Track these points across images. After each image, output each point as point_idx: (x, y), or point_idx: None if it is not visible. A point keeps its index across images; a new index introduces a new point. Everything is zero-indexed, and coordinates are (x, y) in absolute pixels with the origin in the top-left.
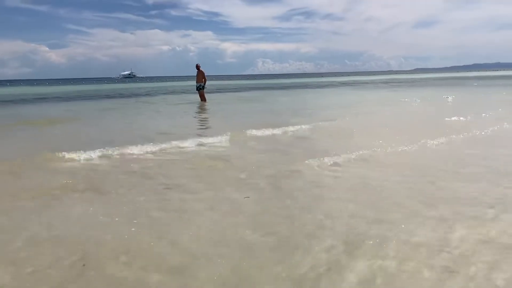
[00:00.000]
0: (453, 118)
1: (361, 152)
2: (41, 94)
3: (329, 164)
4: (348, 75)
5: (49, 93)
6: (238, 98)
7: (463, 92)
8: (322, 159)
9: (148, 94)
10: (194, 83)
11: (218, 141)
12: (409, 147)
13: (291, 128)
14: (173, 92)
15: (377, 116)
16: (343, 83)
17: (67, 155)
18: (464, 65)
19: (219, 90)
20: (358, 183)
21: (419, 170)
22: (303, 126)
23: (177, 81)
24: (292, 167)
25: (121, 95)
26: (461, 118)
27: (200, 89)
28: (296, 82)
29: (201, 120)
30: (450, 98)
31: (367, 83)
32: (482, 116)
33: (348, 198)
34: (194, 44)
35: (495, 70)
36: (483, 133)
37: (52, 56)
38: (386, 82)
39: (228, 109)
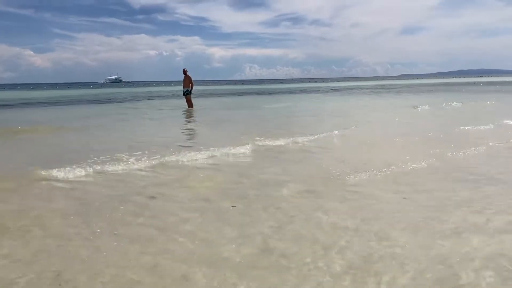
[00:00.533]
0: (474, 127)
1: (392, 168)
2: (24, 98)
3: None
4: (337, 81)
5: (33, 98)
6: (229, 104)
7: (463, 98)
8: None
9: (134, 99)
10: (180, 88)
11: (221, 154)
12: (439, 161)
13: (300, 139)
14: (159, 97)
15: (388, 125)
16: (333, 89)
17: (49, 172)
18: (449, 71)
19: (207, 95)
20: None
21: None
22: (314, 137)
23: (163, 86)
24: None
25: (107, 100)
26: (483, 127)
27: (187, 94)
28: (285, 88)
29: (189, 130)
30: (455, 104)
31: (355, 88)
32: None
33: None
34: (181, 49)
35: (480, 76)
36: None
37: (37, 60)
38: (376, 88)
39: (221, 116)
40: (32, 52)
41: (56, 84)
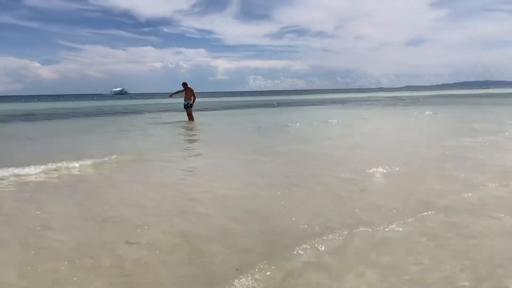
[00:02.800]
0: None
1: None
2: (22, 111)
3: None
4: (349, 92)
5: (30, 110)
6: (238, 119)
7: None
8: None
9: (138, 111)
10: (181, 100)
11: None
12: None
13: None
14: (162, 109)
15: None
16: (345, 100)
17: None
18: (454, 83)
19: (210, 108)
20: None
21: None
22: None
23: (168, 98)
24: None
25: (116, 112)
26: None
27: (188, 107)
28: (292, 100)
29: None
30: None
31: (368, 100)
32: None
33: None
34: (187, 61)
35: (486, 88)
36: None
37: (44, 72)
38: (393, 99)
39: (236, 139)
40: (38, 64)
41: (62, 95)
